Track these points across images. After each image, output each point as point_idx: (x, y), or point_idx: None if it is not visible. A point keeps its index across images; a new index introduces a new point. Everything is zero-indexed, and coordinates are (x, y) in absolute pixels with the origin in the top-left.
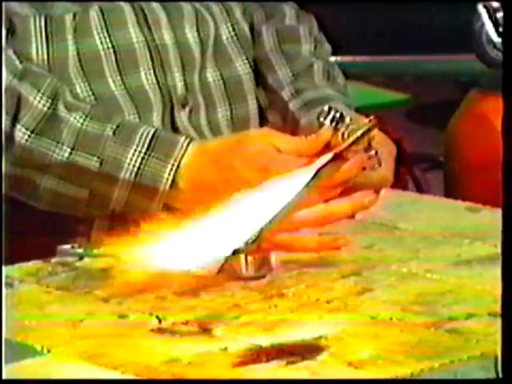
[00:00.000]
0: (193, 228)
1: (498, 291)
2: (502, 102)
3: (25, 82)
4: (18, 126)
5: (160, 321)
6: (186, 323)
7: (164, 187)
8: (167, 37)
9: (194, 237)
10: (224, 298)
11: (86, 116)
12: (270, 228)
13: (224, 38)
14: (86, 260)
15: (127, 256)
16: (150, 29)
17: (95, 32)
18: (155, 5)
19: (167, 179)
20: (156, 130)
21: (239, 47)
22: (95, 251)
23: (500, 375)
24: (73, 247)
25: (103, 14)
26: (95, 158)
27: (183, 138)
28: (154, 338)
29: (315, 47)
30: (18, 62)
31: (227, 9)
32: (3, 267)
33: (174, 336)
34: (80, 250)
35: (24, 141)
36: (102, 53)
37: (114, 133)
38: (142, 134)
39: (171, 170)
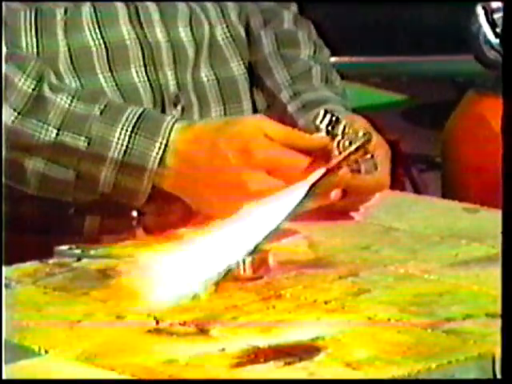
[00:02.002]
0: (183, 250)
1: (496, 292)
2: (502, 102)
3: (10, 64)
4: (6, 108)
5: (157, 321)
6: (184, 324)
7: (152, 165)
8: (160, 35)
9: (184, 259)
10: (221, 299)
11: (73, 97)
12: (263, 244)
13: (219, 38)
14: (84, 261)
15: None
16: (142, 26)
17: (87, 27)
18: (149, 3)
19: (155, 158)
20: (144, 109)
21: (235, 48)
22: (93, 252)
23: (498, 376)
24: (70, 248)
25: (95, 10)
26: (83, 138)
27: (170, 117)
28: (152, 339)
29: (314, 51)
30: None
31: (223, 10)
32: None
33: (172, 337)
34: (78, 251)
35: (11, 122)
36: (94, 49)
37: (101, 113)
38: (129, 114)
39: (159, 148)
